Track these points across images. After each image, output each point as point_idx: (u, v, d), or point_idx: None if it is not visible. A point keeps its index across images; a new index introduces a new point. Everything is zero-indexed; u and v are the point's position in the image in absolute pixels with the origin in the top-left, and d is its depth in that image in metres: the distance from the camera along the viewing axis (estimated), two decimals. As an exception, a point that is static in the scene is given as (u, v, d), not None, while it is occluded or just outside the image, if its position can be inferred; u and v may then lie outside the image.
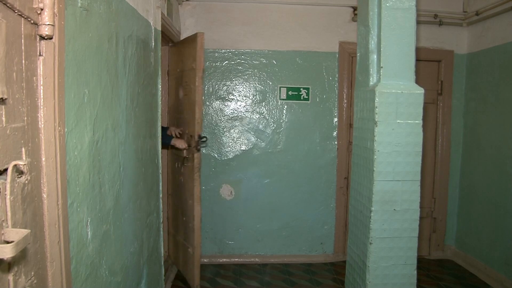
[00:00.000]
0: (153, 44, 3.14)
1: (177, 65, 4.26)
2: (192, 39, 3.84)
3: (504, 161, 4.21)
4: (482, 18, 4.57)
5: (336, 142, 4.81)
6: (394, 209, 2.72)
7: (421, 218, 2.84)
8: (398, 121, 2.67)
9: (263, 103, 4.69)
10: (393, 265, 2.78)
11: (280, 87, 4.70)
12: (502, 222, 4.23)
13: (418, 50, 2.85)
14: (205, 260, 4.66)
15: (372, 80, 2.82)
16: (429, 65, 4.93)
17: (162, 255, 3.48)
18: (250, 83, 4.68)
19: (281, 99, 4.71)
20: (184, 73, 4.05)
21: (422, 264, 4.72)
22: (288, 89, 4.70)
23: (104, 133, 2.07)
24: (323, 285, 4.26)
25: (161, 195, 3.42)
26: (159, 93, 3.36)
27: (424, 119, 2.77)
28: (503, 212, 4.22)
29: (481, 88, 4.65)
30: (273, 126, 4.74)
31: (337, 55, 4.74)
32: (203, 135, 3.88)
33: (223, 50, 4.62)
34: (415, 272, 2.81)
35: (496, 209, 4.35)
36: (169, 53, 4.45)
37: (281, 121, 4.74)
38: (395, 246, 2.77)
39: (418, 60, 2.87)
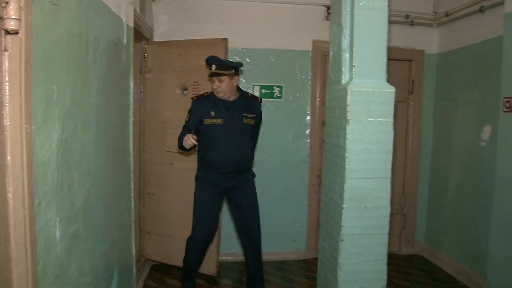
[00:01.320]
0: (125, 41, 3.10)
1: (171, 63, 4.33)
2: (214, 42, 4.13)
3: (472, 159, 4.30)
4: (451, 19, 4.66)
5: (309, 140, 4.84)
6: (365, 206, 2.75)
7: (391, 214, 2.89)
8: (369, 119, 2.70)
9: (236, 101, 4.68)
10: (364, 261, 2.81)
11: (253, 85, 4.69)
12: (469, 218, 4.33)
13: (389, 49, 2.88)
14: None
15: (345, 78, 2.84)
16: (400, 65, 5.00)
17: (134, 254, 3.44)
18: (223, 81, 4.66)
19: (254, 97, 4.70)
20: (194, 72, 4.22)
21: (393, 260, 4.79)
22: (262, 87, 4.69)
23: (73, 131, 2.03)
24: (295, 282, 4.29)
25: (132, 194, 3.37)
26: (131, 90, 3.32)
27: (395, 117, 2.80)
28: (470, 209, 4.31)
29: (451, 88, 4.74)
30: (246, 123, 4.72)
31: (310, 54, 4.76)
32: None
33: (196, 47, 4.59)
34: (386, 268, 2.85)
35: (463, 206, 4.45)
36: (142, 50, 4.39)
37: (254, 119, 4.73)
38: (366, 242, 2.80)
39: (389, 59, 2.90)
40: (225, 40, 4.10)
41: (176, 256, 4.27)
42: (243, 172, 3.73)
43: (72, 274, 2.02)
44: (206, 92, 3.74)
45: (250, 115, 3.71)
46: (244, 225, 3.79)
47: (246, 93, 3.80)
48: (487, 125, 4.08)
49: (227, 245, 4.71)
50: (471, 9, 4.30)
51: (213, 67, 3.54)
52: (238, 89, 3.73)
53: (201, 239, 3.71)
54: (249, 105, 3.73)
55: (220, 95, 3.61)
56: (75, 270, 2.06)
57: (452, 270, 4.55)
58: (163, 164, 4.36)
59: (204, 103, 3.65)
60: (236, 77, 3.61)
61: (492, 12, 4.04)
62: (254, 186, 3.83)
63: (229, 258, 4.76)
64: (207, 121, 3.60)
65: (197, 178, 3.75)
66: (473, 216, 4.27)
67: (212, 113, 3.61)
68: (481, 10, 4.14)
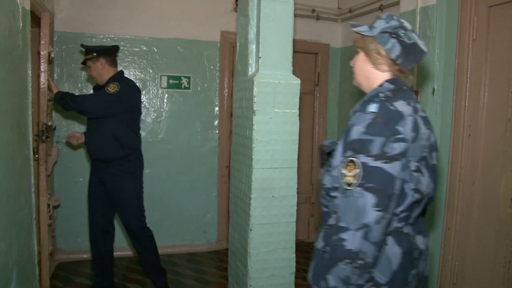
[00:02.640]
0: (21, 24, 2.89)
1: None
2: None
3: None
4: (354, 16, 4.86)
5: (217, 131, 4.84)
6: (273, 196, 2.81)
7: (299, 203, 2.98)
8: (275, 110, 2.75)
9: (143, 92, 4.55)
10: (273, 250, 2.87)
11: (161, 76, 4.59)
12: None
13: (296, 42, 2.95)
14: (84, 256, 4.44)
15: (251, 69, 2.87)
16: (307, 57, 5.15)
17: (36, 253, 3.25)
18: (129, 71, 4.51)
19: (161, 88, 4.60)
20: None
21: (301, 247, 4.92)
22: (169, 77, 4.60)
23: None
24: (207, 273, 4.29)
25: (33, 189, 3.17)
26: (29, 78, 3.10)
27: (301, 108, 2.88)
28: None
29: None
30: (153, 115, 4.63)
31: (218, 44, 4.75)
32: (50, 124, 3.67)
33: (101, 36, 4.40)
34: (294, 255, 2.94)
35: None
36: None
37: (162, 110, 4.64)
38: (274, 231, 2.86)
39: (296, 52, 2.98)
40: (45, 15, 3.62)
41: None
42: (104, 161, 3.55)
43: (-40, 278, 1.86)
44: None
45: None
46: (121, 220, 3.69)
47: (113, 78, 3.55)
48: (386, 116, 4.32)
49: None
50: (372, 6, 4.51)
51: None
52: (118, 74, 3.60)
53: (91, 229, 3.74)
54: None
55: (94, 80, 3.66)
56: (-35, 273, 1.91)
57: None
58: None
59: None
60: (101, 60, 3.53)
61: (390, 10, 4.25)
62: (124, 179, 3.57)
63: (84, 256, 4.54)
64: None
65: None
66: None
67: None
68: (380, 8, 4.36)
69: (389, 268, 1.57)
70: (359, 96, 4.77)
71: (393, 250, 1.58)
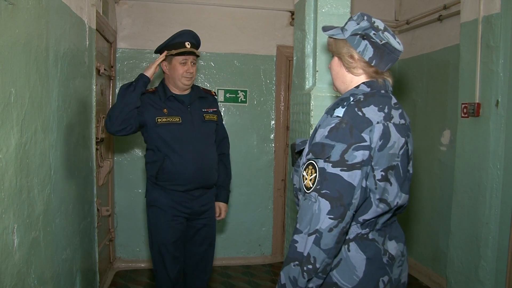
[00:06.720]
0: (88, 43, 3.04)
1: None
2: None
3: (432, 163, 4.41)
4: (412, 27, 4.77)
5: (273, 145, 4.86)
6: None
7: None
8: (333, 124, 2.73)
9: (201, 105, 4.66)
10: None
11: (218, 89, 4.67)
12: (430, 221, 4.43)
13: (352, 55, 2.91)
14: (142, 265, 4.56)
15: (308, 83, 2.86)
16: (363, 70, 5.07)
17: (97, 261, 3.37)
18: (187, 85, 4.63)
19: (218, 102, 4.68)
20: None
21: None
22: (226, 91, 4.69)
23: (33, 135, 1.97)
24: (261, 286, 4.28)
25: (95, 199, 3.31)
26: (94, 93, 3.25)
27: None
28: (431, 211, 4.42)
29: (411, 93, 4.85)
30: (211, 128, 4.71)
31: (274, 58, 4.79)
32: (103, 136, 3.61)
33: (160, 51, 4.54)
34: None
35: (424, 209, 4.55)
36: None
37: (219, 123, 4.72)
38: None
39: (352, 65, 2.94)
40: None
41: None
42: (209, 188, 3.01)
43: (31, 283, 1.95)
44: (151, 88, 2.98)
45: (211, 110, 3.05)
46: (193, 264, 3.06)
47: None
48: (447, 130, 4.19)
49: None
50: (430, 17, 4.41)
51: (188, 44, 2.87)
52: None
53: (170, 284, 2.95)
54: (204, 98, 3.05)
55: (188, 84, 2.90)
56: (35, 279, 2.00)
57: (415, 272, 4.64)
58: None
59: (153, 99, 2.89)
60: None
61: (450, 21, 4.15)
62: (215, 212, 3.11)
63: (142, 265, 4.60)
64: (161, 120, 2.82)
65: (151, 204, 2.92)
66: (434, 219, 4.37)
67: (165, 111, 2.85)
68: (440, 19, 4.26)
69: (353, 275, 1.55)
70: (419, 109, 4.66)
71: (356, 256, 1.56)
